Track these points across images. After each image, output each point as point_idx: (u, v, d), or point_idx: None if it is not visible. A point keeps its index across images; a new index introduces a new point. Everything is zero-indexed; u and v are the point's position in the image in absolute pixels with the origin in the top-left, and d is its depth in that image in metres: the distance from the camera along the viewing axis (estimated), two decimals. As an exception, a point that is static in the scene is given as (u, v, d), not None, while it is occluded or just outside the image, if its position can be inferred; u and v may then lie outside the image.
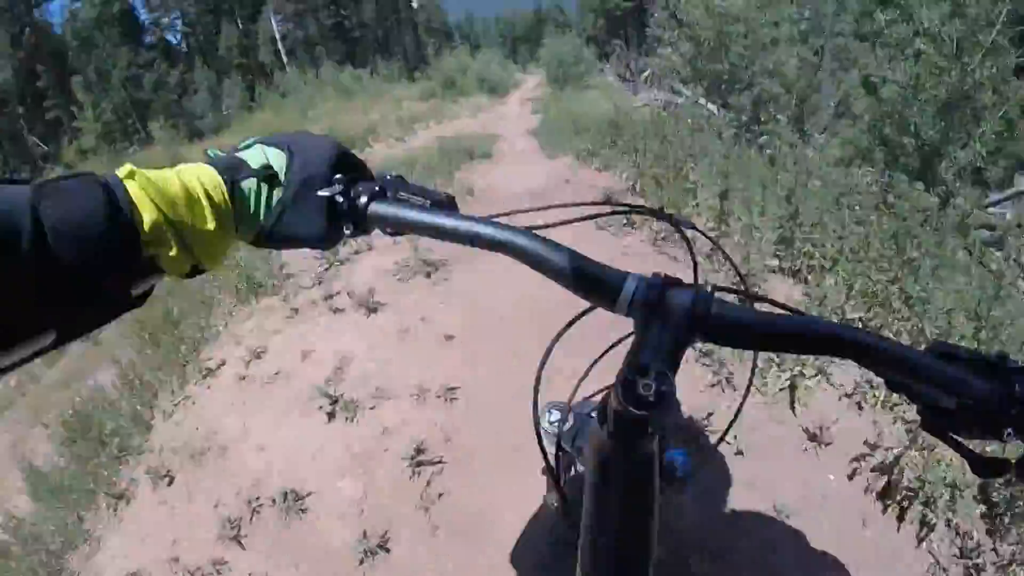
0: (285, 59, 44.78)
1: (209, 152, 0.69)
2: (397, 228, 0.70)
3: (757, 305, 0.72)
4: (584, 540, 0.65)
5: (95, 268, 0.52)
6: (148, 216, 0.56)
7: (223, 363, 3.89)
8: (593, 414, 0.63)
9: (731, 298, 0.66)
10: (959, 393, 0.53)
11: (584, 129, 8.74)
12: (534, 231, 0.66)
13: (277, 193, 0.68)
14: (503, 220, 0.68)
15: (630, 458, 0.60)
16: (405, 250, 4.70)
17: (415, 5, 58.19)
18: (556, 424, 1.02)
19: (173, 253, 0.59)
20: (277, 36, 45.71)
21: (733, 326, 0.60)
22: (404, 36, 54.97)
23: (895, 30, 6.46)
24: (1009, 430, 0.51)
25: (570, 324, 0.80)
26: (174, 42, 47.27)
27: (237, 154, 0.69)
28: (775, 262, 3.88)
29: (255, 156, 0.69)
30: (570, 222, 0.82)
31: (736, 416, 0.97)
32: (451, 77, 26.45)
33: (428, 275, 4.45)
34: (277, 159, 0.69)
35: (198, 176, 0.63)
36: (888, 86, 6.44)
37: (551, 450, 0.90)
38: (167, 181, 0.60)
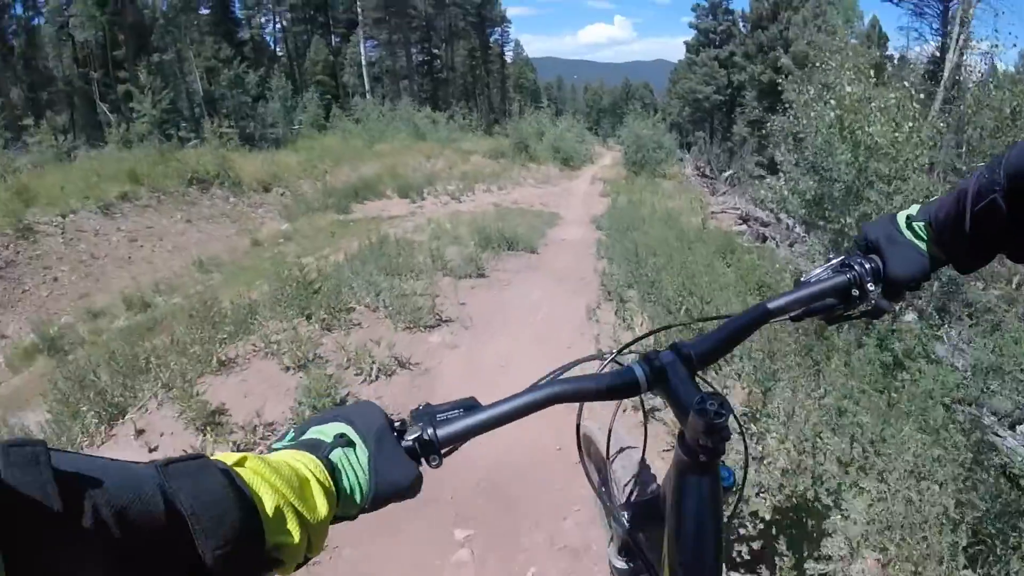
0: (368, 85, 44.87)
1: (275, 445, 0.65)
2: (465, 439, 0.74)
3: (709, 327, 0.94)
4: (670, 550, 0.81)
5: (231, 554, 0.47)
6: (269, 500, 0.52)
7: None
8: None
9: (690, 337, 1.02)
10: (832, 293, 0.89)
11: (639, 281, 6.23)
12: (555, 379, 0.83)
13: (361, 454, 0.66)
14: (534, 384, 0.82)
15: (708, 467, 0.77)
16: None
17: (508, 59, 58.45)
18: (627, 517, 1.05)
19: (295, 541, 0.54)
20: (363, 61, 45.86)
21: (708, 352, 0.85)
22: (491, 88, 55.17)
23: None
24: (869, 286, 0.87)
25: (613, 418, 1.12)
26: (270, 44, 47.73)
27: (302, 439, 0.66)
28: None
29: (323, 432, 0.67)
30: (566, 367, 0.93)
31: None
32: (525, 140, 25.66)
33: None
34: (341, 428, 0.68)
35: (299, 459, 0.61)
36: None
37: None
38: (279, 465, 0.57)
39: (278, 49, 48.17)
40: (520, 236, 8.70)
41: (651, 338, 3.19)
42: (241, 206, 15.43)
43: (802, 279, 0.92)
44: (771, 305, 0.88)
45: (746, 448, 1.19)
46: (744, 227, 16.05)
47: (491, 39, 54.87)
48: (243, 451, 0.60)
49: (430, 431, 0.71)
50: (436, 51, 51.13)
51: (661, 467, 1.00)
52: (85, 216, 12.18)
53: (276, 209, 15.80)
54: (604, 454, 1.21)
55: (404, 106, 32.53)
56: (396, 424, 0.71)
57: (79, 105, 34.65)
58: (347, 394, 3.94)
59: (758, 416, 3.25)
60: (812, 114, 7.71)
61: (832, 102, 7.35)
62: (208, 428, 3.56)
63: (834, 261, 0.91)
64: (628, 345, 0.96)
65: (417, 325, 4.92)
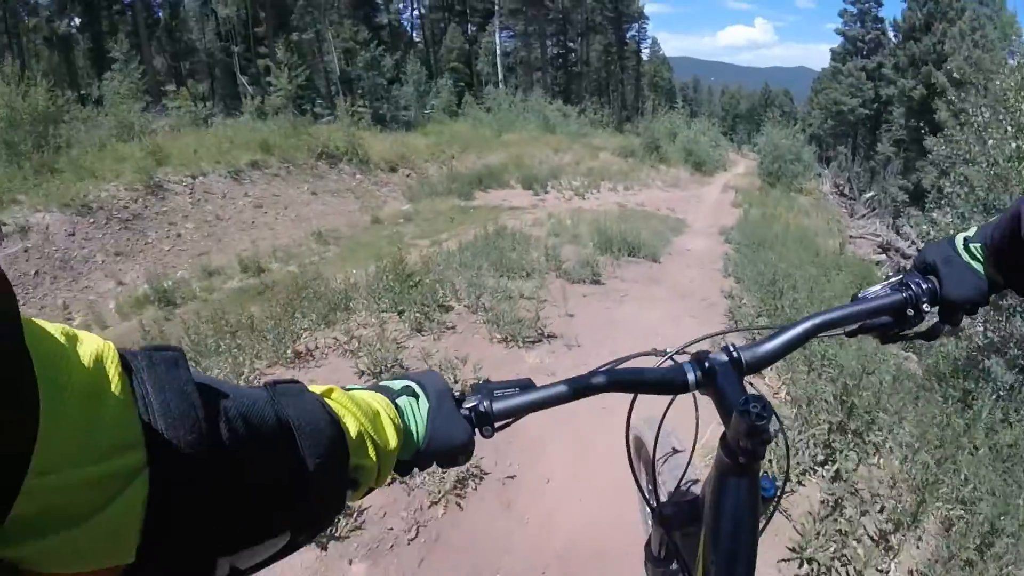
0: (501, 75, 45.01)
1: (350, 387, 0.66)
2: (519, 415, 0.76)
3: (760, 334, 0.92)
4: (706, 549, 0.78)
5: (327, 466, 0.51)
6: (352, 425, 0.57)
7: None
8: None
9: (742, 340, 0.96)
10: (888, 311, 0.86)
11: (772, 315, 5.39)
12: (609, 367, 0.84)
13: (423, 406, 0.70)
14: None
15: (747, 469, 0.75)
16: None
17: (644, 57, 57.17)
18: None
19: (372, 464, 0.58)
20: (498, 51, 46.10)
21: (759, 358, 0.83)
22: (625, 85, 54.13)
23: None
24: (925, 307, 0.85)
25: (664, 414, 1.04)
26: (408, 29, 48.77)
27: (373, 384, 0.71)
28: None
29: (392, 384, 0.72)
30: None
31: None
32: (657, 140, 24.73)
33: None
34: (408, 383, 0.72)
35: (374, 397, 0.65)
36: None
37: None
38: (359, 398, 0.61)
39: (415, 35, 49.53)
40: (643, 242, 8.01)
41: None
42: (366, 183, 15.58)
43: (859, 295, 0.91)
44: (826, 318, 0.87)
45: (788, 456, 1.22)
46: (883, 257, 14.61)
47: (627, 35, 53.89)
48: None
49: (486, 403, 0.74)
50: (571, 44, 50.75)
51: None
52: (214, 179, 12.53)
53: (400, 189, 15.88)
54: (651, 453, 1.23)
55: (536, 98, 32.25)
56: (456, 394, 0.74)
57: (219, 76, 36.93)
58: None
59: (908, 526, 2.53)
60: (990, 142, 6.58)
61: (1009, 129, 6.25)
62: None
63: (893, 280, 0.90)
64: (686, 345, 0.95)
65: (516, 339, 4.33)
